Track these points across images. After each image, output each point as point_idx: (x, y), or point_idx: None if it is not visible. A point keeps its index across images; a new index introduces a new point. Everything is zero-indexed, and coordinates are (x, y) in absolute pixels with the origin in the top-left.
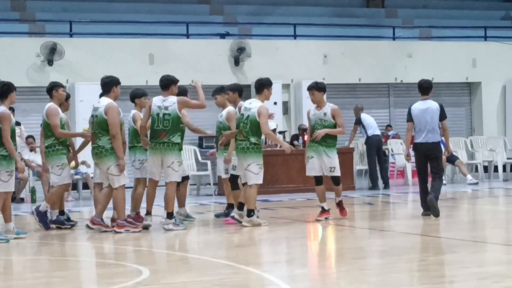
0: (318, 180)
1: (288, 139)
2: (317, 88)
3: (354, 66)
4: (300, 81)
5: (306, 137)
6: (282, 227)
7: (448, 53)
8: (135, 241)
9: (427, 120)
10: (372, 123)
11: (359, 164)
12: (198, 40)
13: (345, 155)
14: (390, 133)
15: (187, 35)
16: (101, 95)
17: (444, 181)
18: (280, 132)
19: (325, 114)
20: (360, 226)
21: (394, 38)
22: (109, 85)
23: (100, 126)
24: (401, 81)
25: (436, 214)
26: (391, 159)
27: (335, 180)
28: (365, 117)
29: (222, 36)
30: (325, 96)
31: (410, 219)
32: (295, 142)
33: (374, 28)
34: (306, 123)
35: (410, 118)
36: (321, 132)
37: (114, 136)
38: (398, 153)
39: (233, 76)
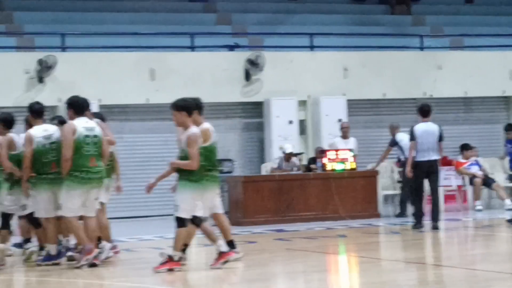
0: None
1: (305, 161)
2: (175, 107)
3: (378, 80)
4: (318, 97)
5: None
6: (299, 259)
7: (482, 64)
8: (124, 277)
9: (429, 140)
10: None
11: (389, 189)
12: (203, 53)
13: (368, 179)
14: None
15: (192, 47)
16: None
17: (479, 207)
18: (296, 154)
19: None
20: (386, 258)
21: (422, 48)
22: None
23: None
24: (431, 95)
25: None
26: None
27: (176, 222)
28: (402, 137)
29: (231, 48)
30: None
31: (442, 250)
32: (313, 166)
33: (400, 37)
34: (323, 143)
35: (413, 138)
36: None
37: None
38: None
39: (242, 92)
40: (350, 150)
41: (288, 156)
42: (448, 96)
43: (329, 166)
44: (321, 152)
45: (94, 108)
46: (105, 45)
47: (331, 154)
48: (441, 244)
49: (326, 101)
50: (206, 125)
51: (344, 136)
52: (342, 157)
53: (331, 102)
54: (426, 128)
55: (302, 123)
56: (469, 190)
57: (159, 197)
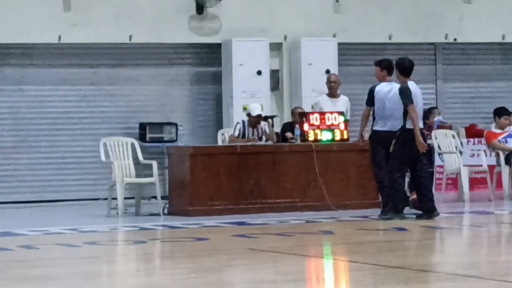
0: None
1: (278, 128)
2: None
3: (382, 17)
4: (298, 38)
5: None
6: (266, 264)
7: None
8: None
9: (393, 106)
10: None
11: None
12: None
13: (366, 155)
14: (436, 119)
15: None
16: None
17: None
18: (266, 118)
19: None
20: (386, 264)
21: None
22: None
23: None
24: (455, 40)
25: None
26: (437, 161)
27: None
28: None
29: None
30: None
31: (464, 254)
32: (289, 134)
33: None
34: (305, 103)
35: (371, 101)
36: None
37: None
38: (450, 151)
39: (192, 30)
40: (341, 113)
41: (255, 120)
42: (480, 41)
43: (311, 135)
44: (301, 116)
45: None
46: None
47: (314, 119)
48: (463, 246)
49: (309, 45)
50: None
51: (333, 94)
52: (329, 123)
53: (316, 46)
54: (389, 89)
55: (275, 75)
56: (505, 171)
57: (74, 175)
